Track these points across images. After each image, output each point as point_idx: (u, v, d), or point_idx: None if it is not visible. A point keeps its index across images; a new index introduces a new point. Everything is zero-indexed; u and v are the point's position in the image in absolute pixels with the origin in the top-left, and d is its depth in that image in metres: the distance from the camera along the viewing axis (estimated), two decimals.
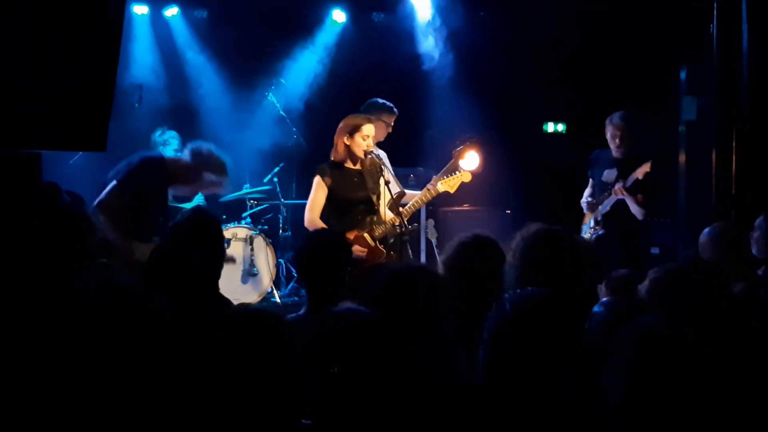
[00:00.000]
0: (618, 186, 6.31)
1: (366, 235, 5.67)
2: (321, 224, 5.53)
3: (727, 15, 6.06)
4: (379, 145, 6.19)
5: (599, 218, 6.52)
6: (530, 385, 2.23)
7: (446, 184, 6.04)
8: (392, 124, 6.37)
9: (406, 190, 6.08)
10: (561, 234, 3.11)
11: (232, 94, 8.52)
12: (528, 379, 2.23)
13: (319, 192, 5.66)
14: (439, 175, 6.03)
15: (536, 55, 8.63)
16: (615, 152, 6.46)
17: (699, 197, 6.71)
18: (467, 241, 3.46)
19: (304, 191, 5.86)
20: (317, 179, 5.68)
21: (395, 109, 6.39)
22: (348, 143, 5.67)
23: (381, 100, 6.38)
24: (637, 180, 6.24)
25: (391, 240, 5.77)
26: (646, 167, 6.18)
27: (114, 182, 5.14)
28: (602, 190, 6.51)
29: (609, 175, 6.48)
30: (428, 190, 5.98)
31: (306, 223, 5.67)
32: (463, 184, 6.03)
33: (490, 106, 8.33)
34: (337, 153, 5.71)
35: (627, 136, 6.37)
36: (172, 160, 5.52)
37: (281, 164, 8.25)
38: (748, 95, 6.02)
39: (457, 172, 6.03)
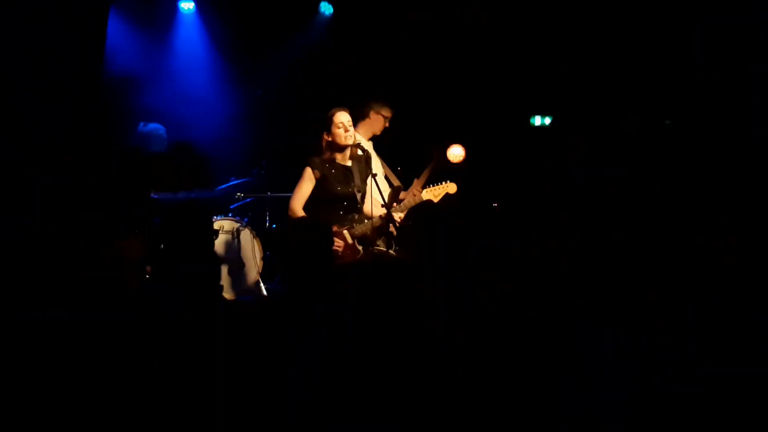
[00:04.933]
0: None
1: (345, 231, 5.69)
2: (302, 214, 5.59)
3: None
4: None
5: None
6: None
7: (431, 193, 6.09)
8: (389, 117, 6.47)
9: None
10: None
11: (219, 87, 8.49)
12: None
13: (306, 183, 5.69)
14: (421, 178, 6.14)
15: (523, 47, 8.63)
16: None
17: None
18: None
19: (291, 185, 5.87)
20: (307, 170, 5.71)
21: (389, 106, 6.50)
22: (329, 139, 5.70)
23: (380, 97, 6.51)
24: None
25: (375, 234, 5.80)
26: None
27: None
28: None
29: None
30: (414, 195, 6.07)
31: (289, 212, 5.71)
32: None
33: (476, 98, 8.34)
34: (323, 151, 5.75)
35: None
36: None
37: (268, 157, 8.23)
38: None
39: (443, 183, 6.10)
